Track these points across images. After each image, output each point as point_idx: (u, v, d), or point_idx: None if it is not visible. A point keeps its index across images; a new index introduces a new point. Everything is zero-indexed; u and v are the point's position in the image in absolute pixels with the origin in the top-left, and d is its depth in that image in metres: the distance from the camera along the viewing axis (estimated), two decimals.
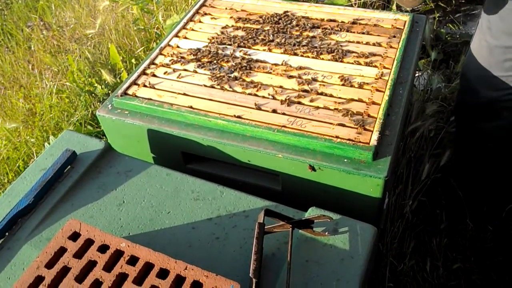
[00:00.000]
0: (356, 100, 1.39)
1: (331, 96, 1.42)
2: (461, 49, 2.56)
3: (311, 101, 1.40)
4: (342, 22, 1.71)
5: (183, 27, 1.80)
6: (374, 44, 1.60)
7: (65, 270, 0.96)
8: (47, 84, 2.74)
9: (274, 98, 1.43)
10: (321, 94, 1.43)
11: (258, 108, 1.40)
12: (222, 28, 1.77)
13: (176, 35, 1.76)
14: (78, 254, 0.99)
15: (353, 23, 1.70)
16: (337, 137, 1.28)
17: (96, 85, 2.63)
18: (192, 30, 1.78)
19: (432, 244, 1.83)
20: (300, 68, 1.53)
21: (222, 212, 1.23)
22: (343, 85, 1.45)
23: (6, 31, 3.49)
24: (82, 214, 1.21)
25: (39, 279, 0.95)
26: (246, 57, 1.60)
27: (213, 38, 1.71)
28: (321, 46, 1.61)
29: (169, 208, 1.21)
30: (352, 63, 1.53)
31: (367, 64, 1.52)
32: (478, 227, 1.89)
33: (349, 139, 1.27)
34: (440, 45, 2.69)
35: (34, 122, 2.56)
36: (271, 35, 1.68)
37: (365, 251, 1.09)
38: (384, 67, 1.50)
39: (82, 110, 2.54)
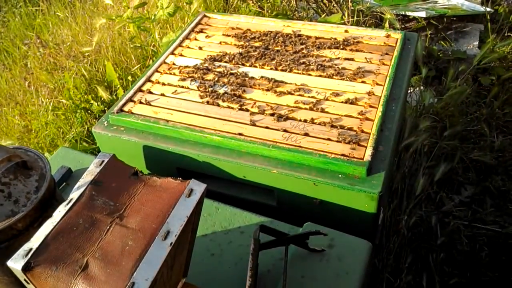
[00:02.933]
0: (349, 116, 1.41)
1: (325, 112, 1.43)
2: (453, 65, 2.60)
3: (306, 117, 1.42)
4: (335, 39, 1.74)
5: (179, 45, 1.82)
6: (367, 61, 1.63)
7: None
8: (43, 101, 2.75)
9: (269, 114, 1.44)
10: (316, 110, 1.44)
11: (253, 124, 1.41)
12: (218, 45, 1.79)
13: (172, 53, 1.78)
14: None
15: (346, 40, 1.73)
16: (331, 152, 1.29)
17: (92, 102, 2.65)
18: (188, 47, 1.81)
19: (429, 259, 1.83)
20: (295, 84, 1.55)
21: (217, 228, 1.23)
22: (337, 101, 1.46)
23: (3, 49, 3.52)
24: None
25: None
26: (241, 74, 1.62)
27: (209, 55, 1.74)
28: (315, 63, 1.63)
29: None
30: (345, 80, 1.55)
31: (360, 81, 1.54)
32: (473, 243, 1.89)
33: (343, 155, 1.28)
34: (432, 62, 2.73)
35: (29, 139, 2.56)
36: (266, 53, 1.71)
37: (360, 266, 1.10)
38: (377, 84, 1.52)
39: (77, 127, 2.55)
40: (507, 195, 2.08)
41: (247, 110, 1.47)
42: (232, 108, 1.48)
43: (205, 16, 1.99)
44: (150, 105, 1.54)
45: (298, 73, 1.61)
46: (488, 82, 2.62)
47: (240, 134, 1.38)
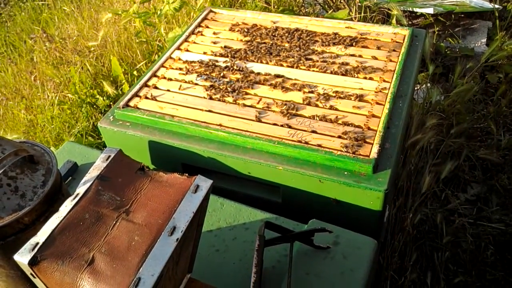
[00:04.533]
0: (356, 113, 1.40)
1: (331, 109, 1.43)
2: (460, 62, 2.58)
3: (312, 113, 1.41)
4: (342, 36, 1.73)
5: (185, 40, 1.82)
6: (374, 58, 1.61)
7: None
8: (49, 96, 2.76)
9: (274, 111, 1.44)
10: (322, 107, 1.44)
11: (259, 120, 1.41)
12: (224, 41, 1.79)
13: (178, 48, 1.78)
14: None
15: (353, 37, 1.72)
16: (337, 149, 1.28)
17: (97, 96, 2.65)
18: (194, 43, 1.80)
19: (434, 257, 1.82)
20: (301, 81, 1.54)
21: (222, 224, 1.23)
22: (343, 98, 1.46)
23: (9, 43, 3.53)
24: None
25: None
26: (247, 70, 1.62)
27: (214, 51, 1.73)
28: (322, 60, 1.62)
29: None
30: (352, 77, 1.54)
31: (367, 77, 1.53)
32: (479, 242, 1.88)
33: (349, 152, 1.27)
34: (440, 59, 2.71)
35: (35, 133, 2.57)
36: (272, 49, 1.70)
37: (365, 264, 1.09)
38: (384, 81, 1.51)
39: (83, 121, 2.55)
40: None
41: (252, 106, 1.47)
42: (238, 104, 1.48)
43: (211, 11, 1.98)
44: (156, 100, 1.54)
45: (304, 69, 1.60)
46: (496, 80, 2.60)
47: (245, 130, 1.38)
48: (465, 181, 2.14)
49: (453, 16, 2.92)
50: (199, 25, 1.90)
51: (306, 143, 1.31)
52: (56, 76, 2.91)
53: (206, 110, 1.47)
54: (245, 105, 1.47)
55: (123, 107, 1.51)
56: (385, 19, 2.89)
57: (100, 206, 0.73)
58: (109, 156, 0.83)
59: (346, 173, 1.26)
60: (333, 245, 1.13)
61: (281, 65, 1.62)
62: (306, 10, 3.09)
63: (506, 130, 2.36)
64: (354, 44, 1.68)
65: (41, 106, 2.71)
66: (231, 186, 1.46)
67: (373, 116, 1.38)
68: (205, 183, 0.79)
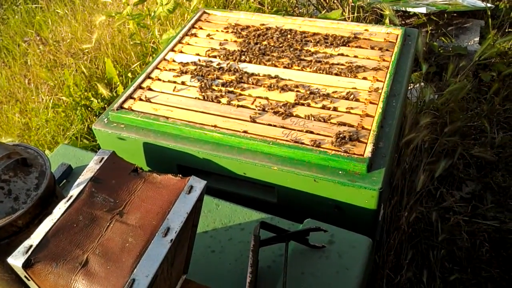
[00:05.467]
0: (350, 113, 1.41)
1: (325, 108, 1.43)
2: (453, 61, 2.59)
3: (306, 113, 1.41)
4: (335, 36, 1.74)
5: (179, 42, 1.82)
6: (367, 58, 1.62)
7: None
8: (43, 99, 2.75)
9: (269, 111, 1.44)
10: (316, 107, 1.44)
11: (253, 121, 1.41)
12: (217, 42, 1.79)
13: (172, 50, 1.78)
14: None
15: (347, 37, 1.72)
16: (331, 149, 1.29)
17: (92, 99, 2.64)
18: (188, 44, 1.80)
19: (429, 255, 1.83)
20: (295, 81, 1.55)
21: (217, 225, 1.23)
22: (337, 98, 1.46)
23: (3, 46, 3.51)
24: None
25: None
26: (241, 70, 1.62)
27: (208, 52, 1.73)
28: (315, 60, 1.63)
29: None
30: (345, 76, 1.55)
31: (360, 77, 1.54)
32: (474, 239, 1.89)
33: (343, 151, 1.28)
34: (433, 58, 2.73)
35: (30, 136, 2.56)
36: (266, 49, 1.70)
37: (360, 263, 1.10)
38: (377, 80, 1.52)
39: (78, 124, 2.55)
40: (508, 191, 2.08)
41: (247, 107, 1.47)
42: (232, 104, 1.48)
43: (205, 12, 1.99)
44: (150, 102, 1.54)
45: (298, 69, 1.60)
46: (489, 78, 2.61)
47: (240, 131, 1.38)
48: (459, 179, 2.15)
49: (445, 15, 2.94)
50: (192, 27, 1.90)
51: (301, 143, 1.32)
52: (50, 79, 2.90)
53: (200, 111, 1.47)
54: (239, 106, 1.47)
55: (117, 109, 1.50)
56: (378, 19, 2.91)
57: (93, 208, 0.73)
58: (103, 158, 0.83)
59: (340, 172, 1.26)
60: (328, 244, 1.14)
61: (275, 66, 1.63)
62: (300, 10, 3.10)
63: (499, 128, 2.37)
64: (347, 44, 1.69)
65: (35, 109, 2.70)
66: (226, 187, 1.46)
67: (367, 115, 1.39)
68: (199, 184, 0.79)
